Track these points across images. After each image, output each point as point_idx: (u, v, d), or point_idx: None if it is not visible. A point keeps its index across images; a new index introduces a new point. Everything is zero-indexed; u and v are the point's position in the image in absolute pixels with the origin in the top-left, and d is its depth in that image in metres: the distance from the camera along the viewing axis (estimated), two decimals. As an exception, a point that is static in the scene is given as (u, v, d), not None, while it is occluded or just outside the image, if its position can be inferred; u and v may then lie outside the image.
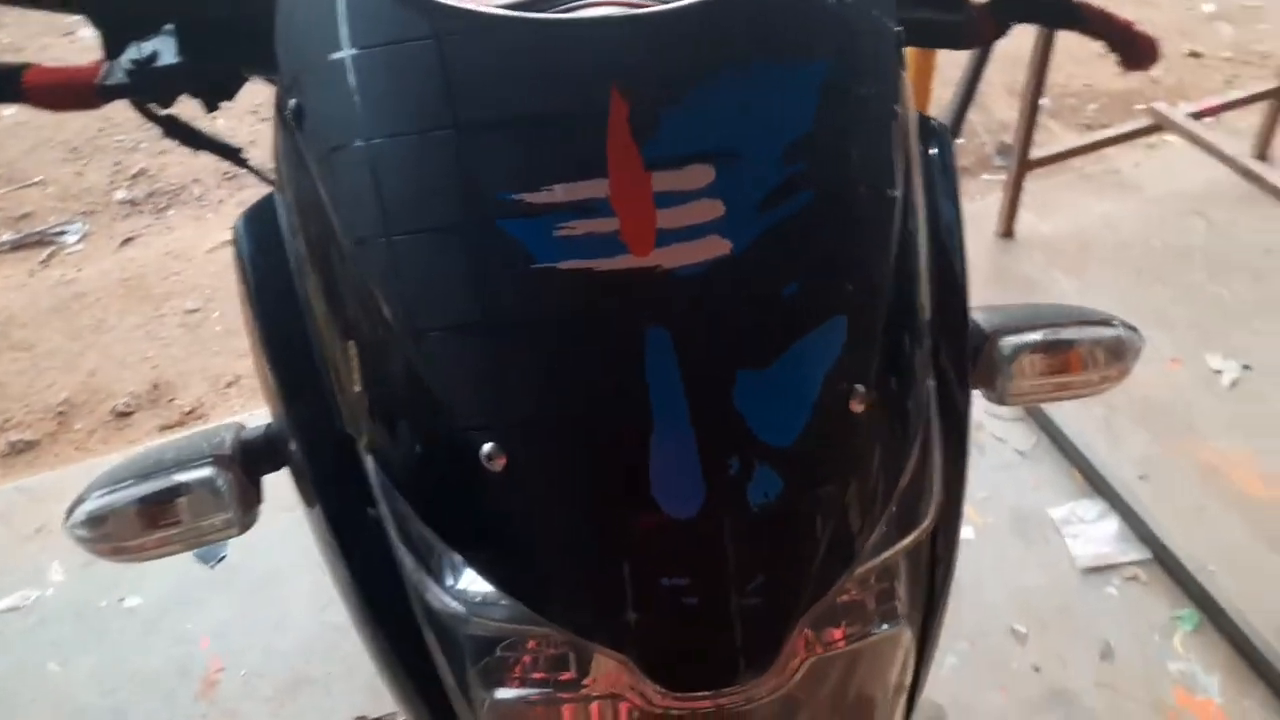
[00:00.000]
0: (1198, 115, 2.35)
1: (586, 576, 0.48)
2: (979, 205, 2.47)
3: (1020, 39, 2.25)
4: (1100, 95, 2.83)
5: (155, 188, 2.71)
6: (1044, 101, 2.79)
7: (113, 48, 0.67)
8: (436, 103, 0.49)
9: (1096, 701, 1.59)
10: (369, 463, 0.55)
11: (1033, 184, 2.49)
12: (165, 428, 2.08)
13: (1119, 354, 0.69)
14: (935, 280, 0.60)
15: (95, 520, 0.62)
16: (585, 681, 0.51)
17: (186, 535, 0.62)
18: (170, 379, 2.18)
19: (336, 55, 0.51)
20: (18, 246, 2.57)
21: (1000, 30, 0.74)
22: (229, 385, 2.14)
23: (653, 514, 0.47)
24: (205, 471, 0.61)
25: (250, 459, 0.63)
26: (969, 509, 1.85)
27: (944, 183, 0.64)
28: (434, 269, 0.48)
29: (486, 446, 0.47)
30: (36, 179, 2.77)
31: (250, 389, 2.15)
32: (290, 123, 0.54)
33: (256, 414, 2.08)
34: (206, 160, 2.79)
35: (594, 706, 0.51)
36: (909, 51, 2.21)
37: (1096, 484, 1.87)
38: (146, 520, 0.62)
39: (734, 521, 0.47)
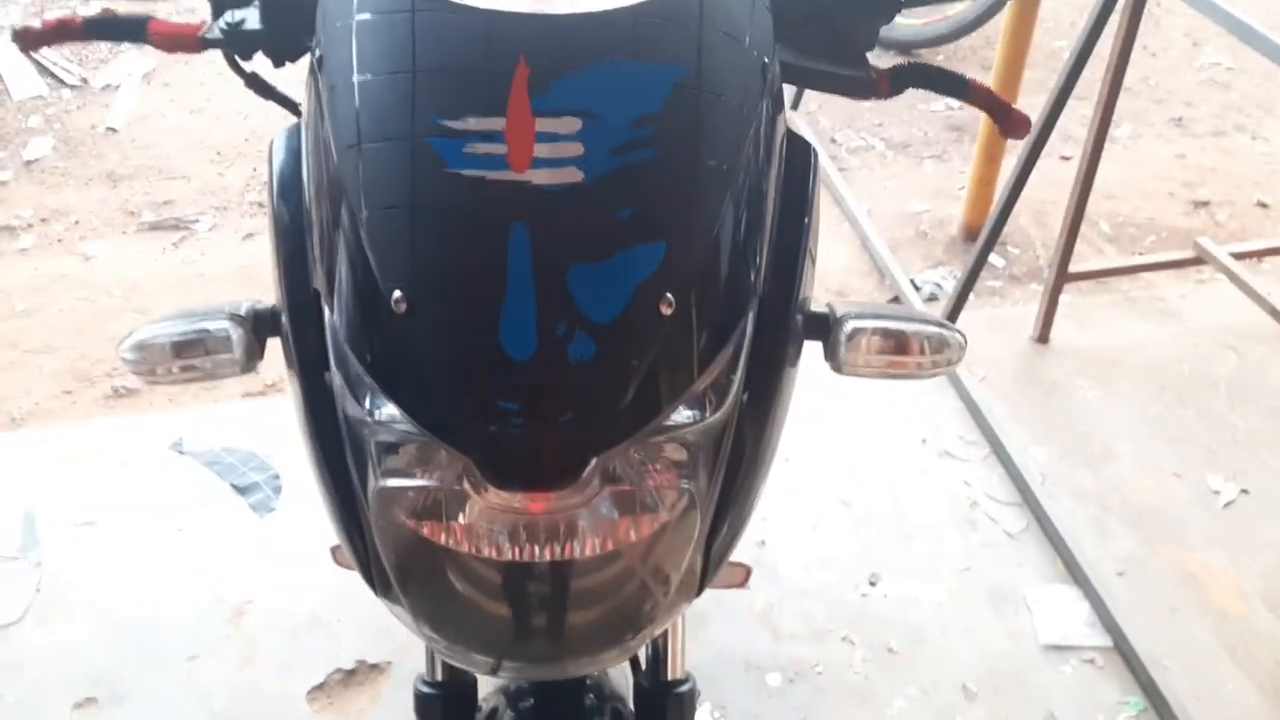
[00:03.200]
0: (1239, 255, 2.46)
1: (449, 394, 0.67)
2: (1022, 310, 2.61)
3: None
4: (1161, 229, 2.95)
5: (282, 194, 3.03)
6: (1105, 227, 2.93)
7: (215, 13, 0.91)
8: (401, 54, 0.70)
9: (1030, 764, 1.69)
10: (326, 313, 0.75)
11: (1078, 299, 2.63)
12: (247, 394, 2.35)
13: (941, 348, 0.85)
14: (776, 254, 0.79)
15: (138, 347, 0.82)
16: (440, 476, 0.70)
17: (202, 369, 0.83)
18: (260, 356, 2.45)
19: (347, 20, 0.73)
20: (155, 227, 2.90)
21: (895, 90, 0.92)
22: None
23: (499, 354, 0.66)
24: (223, 324, 0.82)
25: (258, 323, 0.84)
26: (947, 574, 1.97)
27: (799, 188, 0.83)
28: (381, 167, 0.69)
29: (396, 293, 0.67)
30: (183, 174, 3.12)
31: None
32: (315, 68, 0.76)
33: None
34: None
35: (443, 494, 0.70)
36: (979, 164, 2.40)
37: (1075, 572, 1.97)
38: (175, 352, 0.82)
39: (554, 368, 0.66)
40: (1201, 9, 1.93)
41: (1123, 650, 1.85)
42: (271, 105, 1.06)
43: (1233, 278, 2.39)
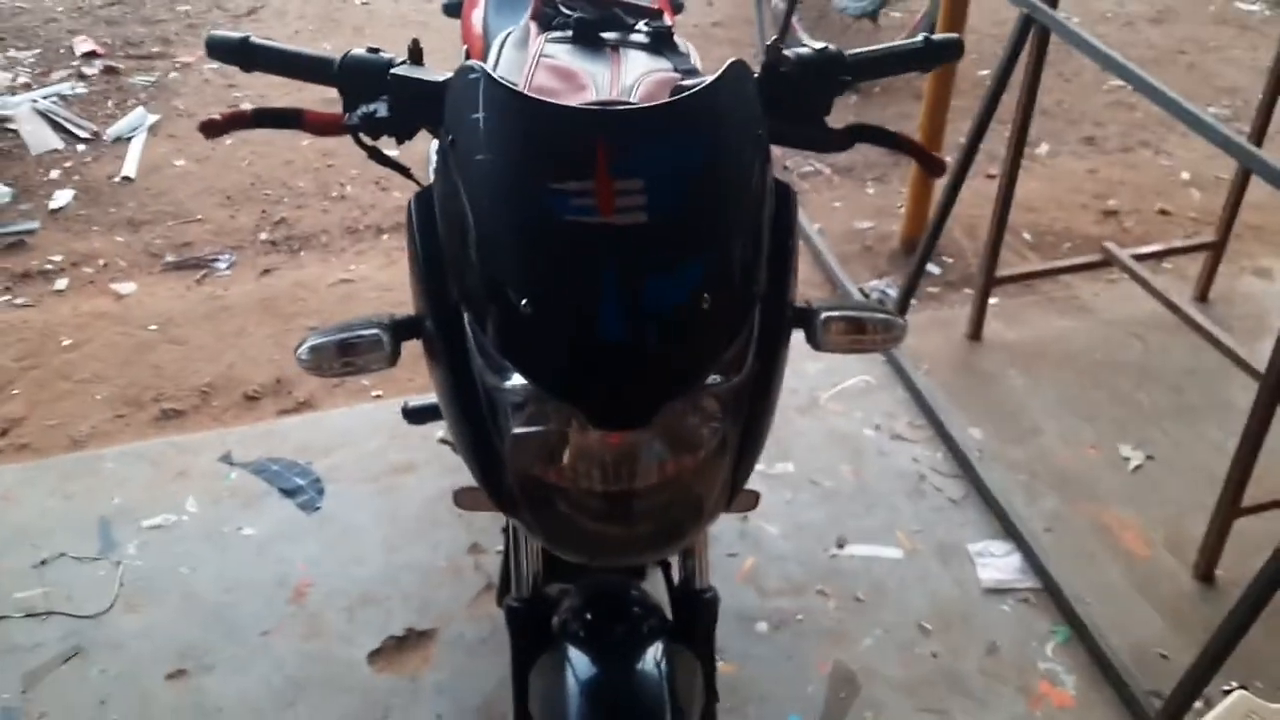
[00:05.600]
0: (1141, 257, 2.86)
1: (565, 365, 1.00)
2: (956, 312, 2.98)
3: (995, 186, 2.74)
4: (1076, 237, 3.35)
5: (292, 233, 3.34)
6: (1027, 236, 3.33)
7: (349, 106, 1.23)
8: (519, 139, 1.03)
9: (978, 682, 2.04)
10: (465, 315, 1.08)
11: (1006, 301, 3.01)
12: (282, 411, 2.65)
13: (888, 329, 1.19)
14: (770, 266, 1.13)
15: (312, 349, 1.14)
16: (555, 423, 1.03)
17: (357, 364, 1.15)
18: (290, 377, 2.75)
19: (474, 115, 1.06)
20: (178, 267, 3.19)
21: (848, 144, 1.26)
22: (335, 386, 2.71)
23: (599, 341, 0.99)
24: (375, 331, 1.14)
25: (399, 329, 1.16)
26: (902, 535, 2.32)
27: (785, 217, 1.17)
28: (509, 213, 1.02)
29: (524, 300, 1.00)
30: (198, 217, 3.41)
31: (352, 390, 2.70)
32: (447, 148, 1.09)
33: (347, 406, 2.64)
34: (334, 217, 3.42)
35: (556, 435, 1.03)
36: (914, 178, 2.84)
37: (1009, 529, 2.33)
38: (339, 352, 1.14)
39: (636, 349, 0.99)
40: (1093, 56, 2.30)
41: (1050, 589, 2.20)
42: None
43: (1135, 277, 2.78)
